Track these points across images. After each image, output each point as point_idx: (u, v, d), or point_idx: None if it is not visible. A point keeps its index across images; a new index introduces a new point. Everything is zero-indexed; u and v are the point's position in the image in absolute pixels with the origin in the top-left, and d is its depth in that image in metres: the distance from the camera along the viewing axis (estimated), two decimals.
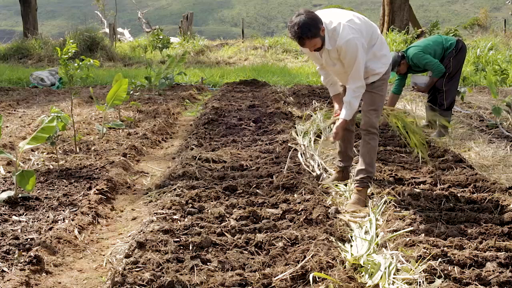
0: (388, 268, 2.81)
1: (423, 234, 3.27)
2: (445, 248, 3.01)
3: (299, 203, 3.91)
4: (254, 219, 3.64)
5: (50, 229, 3.55)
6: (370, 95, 4.03)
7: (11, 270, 2.93)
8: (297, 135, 6.07)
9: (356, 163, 4.56)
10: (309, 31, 3.64)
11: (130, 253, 3.10)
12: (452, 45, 6.21)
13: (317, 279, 2.75)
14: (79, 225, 3.63)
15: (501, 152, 5.54)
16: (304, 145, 5.53)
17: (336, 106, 4.28)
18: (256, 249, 3.16)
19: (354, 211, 3.92)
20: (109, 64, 16.06)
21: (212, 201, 4.00)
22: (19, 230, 3.53)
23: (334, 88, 4.26)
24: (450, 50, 6.20)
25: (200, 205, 3.89)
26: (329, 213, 3.75)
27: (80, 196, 4.24)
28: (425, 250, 2.97)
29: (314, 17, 3.68)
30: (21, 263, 2.99)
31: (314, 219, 3.57)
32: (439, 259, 2.88)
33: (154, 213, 3.76)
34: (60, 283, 2.96)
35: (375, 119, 4.05)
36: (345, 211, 3.94)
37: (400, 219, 3.58)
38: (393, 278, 2.75)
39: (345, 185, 4.44)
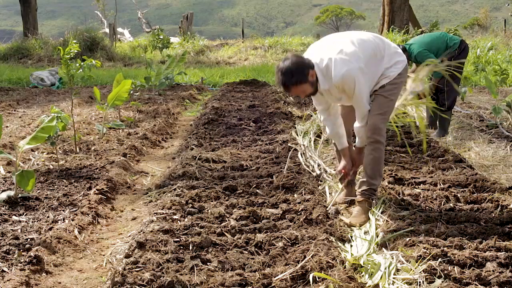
0: (388, 268, 2.81)
1: (423, 234, 3.26)
2: (445, 248, 3.01)
3: (299, 203, 3.91)
4: (254, 219, 3.64)
5: (50, 229, 3.55)
6: (378, 98, 3.72)
7: (11, 270, 2.93)
8: (297, 135, 6.07)
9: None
10: (292, 77, 3.46)
11: (130, 253, 3.10)
12: (455, 45, 6.20)
13: (317, 279, 2.74)
14: (79, 225, 3.62)
15: (501, 152, 5.54)
16: (304, 145, 5.53)
17: (343, 161, 3.94)
18: (256, 249, 3.16)
19: (357, 223, 3.69)
20: (109, 64, 16.07)
21: (212, 201, 4.00)
22: (19, 230, 3.53)
23: (342, 140, 3.92)
24: (453, 50, 6.19)
25: (200, 205, 3.89)
26: (329, 213, 3.75)
27: (80, 196, 4.24)
28: (425, 250, 2.97)
29: (299, 62, 3.50)
30: (21, 263, 2.99)
31: (314, 219, 3.56)
32: (439, 259, 2.88)
33: (154, 213, 3.76)
34: (60, 283, 2.96)
35: (381, 125, 3.67)
36: (350, 223, 3.72)
37: (400, 219, 3.57)
38: (393, 278, 2.75)
39: None
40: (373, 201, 3.78)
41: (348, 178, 3.99)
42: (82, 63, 5.77)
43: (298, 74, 3.48)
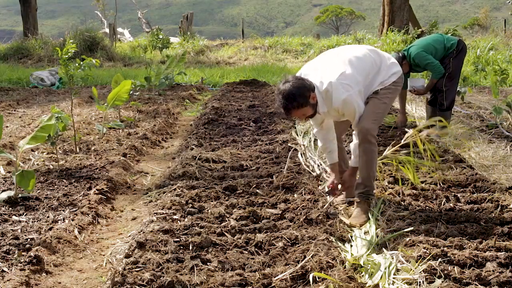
0: (388, 268, 2.81)
1: (423, 234, 3.27)
2: (445, 248, 3.01)
3: (299, 203, 3.91)
4: (254, 219, 3.64)
5: (50, 229, 3.55)
6: (371, 100, 3.70)
7: (11, 270, 2.93)
8: (297, 135, 6.07)
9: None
10: (294, 101, 3.41)
11: (130, 253, 3.10)
12: (453, 45, 6.19)
13: (317, 279, 2.75)
14: (79, 225, 3.63)
15: (501, 152, 5.53)
16: (304, 145, 5.54)
17: (332, 176, 3.92)
18: (256, 249, 3.16)
19: (357, 224, 3.71)
20: (109, 64, 16.07)
21: (212, 201, 4.00)
22: (19, 230, 3.53)
23: (332, 155, 3.90)
24: (451, 50, 6.18)
25: (200, 205, 3.89)
26: (329, 213, 3.75)
27: (80, 196, 4.24)
28: (425, 250, 2.97)
29: (301, 85, 3.44)
30: (21, 263, 2.99)
31: (314, 219, 3.56)
32: (439, 259, 2.88)
33: (154, 213, 3.76)
34: (60, 283, 2.96)
35: (371, 125, 3.62)
36: (350, 223, 3.72)
37: (400, 219, 3.58)
38: (393, 278, 2.75)
39: None
40: (372, 201, 3.79)
41: (336, 194, 3.95)
42: (81, 63, 5.77)
43: (300, 97, 3.43)
